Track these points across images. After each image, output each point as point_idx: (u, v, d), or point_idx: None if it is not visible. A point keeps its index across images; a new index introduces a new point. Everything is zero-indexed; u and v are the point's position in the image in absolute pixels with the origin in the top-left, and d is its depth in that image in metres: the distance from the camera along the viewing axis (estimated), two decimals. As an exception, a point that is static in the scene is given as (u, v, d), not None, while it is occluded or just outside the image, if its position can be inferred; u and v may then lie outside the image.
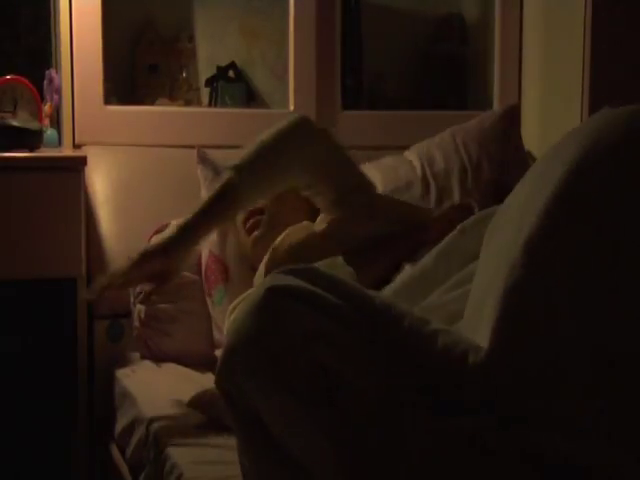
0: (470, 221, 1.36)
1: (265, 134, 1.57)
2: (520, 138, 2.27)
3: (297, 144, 1.57)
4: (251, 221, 1.69)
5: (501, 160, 2.20)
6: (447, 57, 2.54)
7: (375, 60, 2.50)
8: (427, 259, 1.35)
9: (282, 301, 0.97)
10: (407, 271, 1.38)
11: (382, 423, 0.94)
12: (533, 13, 2.35)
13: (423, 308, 1.20)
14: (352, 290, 1.02)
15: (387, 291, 1.35)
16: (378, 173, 2.10)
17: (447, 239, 1.35)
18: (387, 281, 1.41)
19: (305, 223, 1.63)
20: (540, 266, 0.96)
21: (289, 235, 1.58)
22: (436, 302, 1.23)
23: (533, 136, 2.33)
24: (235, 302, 1.56)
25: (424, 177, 2.13)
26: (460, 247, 1.32)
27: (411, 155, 2.20)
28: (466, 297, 1.11)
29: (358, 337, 0.97)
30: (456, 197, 2.09)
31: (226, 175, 1.53)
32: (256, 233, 1.66)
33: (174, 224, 1.55)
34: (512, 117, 2.28)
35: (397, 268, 1.44)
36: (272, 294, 0.98)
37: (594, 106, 2.13)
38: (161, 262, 1.48)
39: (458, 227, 1.36)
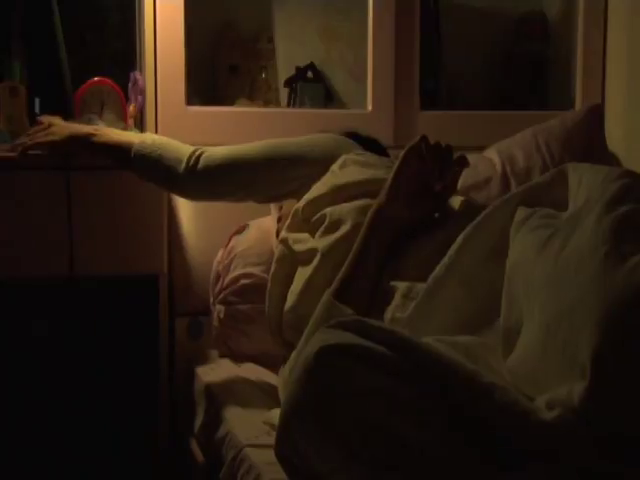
0: (465, 239, 1.26)
1: None
2: (604, 139, 2.22)
3: None
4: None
5: (584, 161, 2.15)
6: (528, 56, 2.49)
7: (454, 60, 2.48)
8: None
9: (333, 361, 0.95)
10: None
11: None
12: (618, 10, 2.28)
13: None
14: (403, 341, 0.99)
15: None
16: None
17: (444, 262, 1.25)
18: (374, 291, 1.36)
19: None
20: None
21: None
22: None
23: (617, 138, 2.27)
24: (287, 366, 1.48)
25: (504, 174, 2.10)
26: (462, 272, 1.24)
27: (491, 153, 2.18)
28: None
29: (414, 390, 0.95)
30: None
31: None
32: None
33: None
34: (595, 117, 2.23)
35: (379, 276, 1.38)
36: (322, 355, 0.96)
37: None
38: None
39: (455, 246, 1.26)
